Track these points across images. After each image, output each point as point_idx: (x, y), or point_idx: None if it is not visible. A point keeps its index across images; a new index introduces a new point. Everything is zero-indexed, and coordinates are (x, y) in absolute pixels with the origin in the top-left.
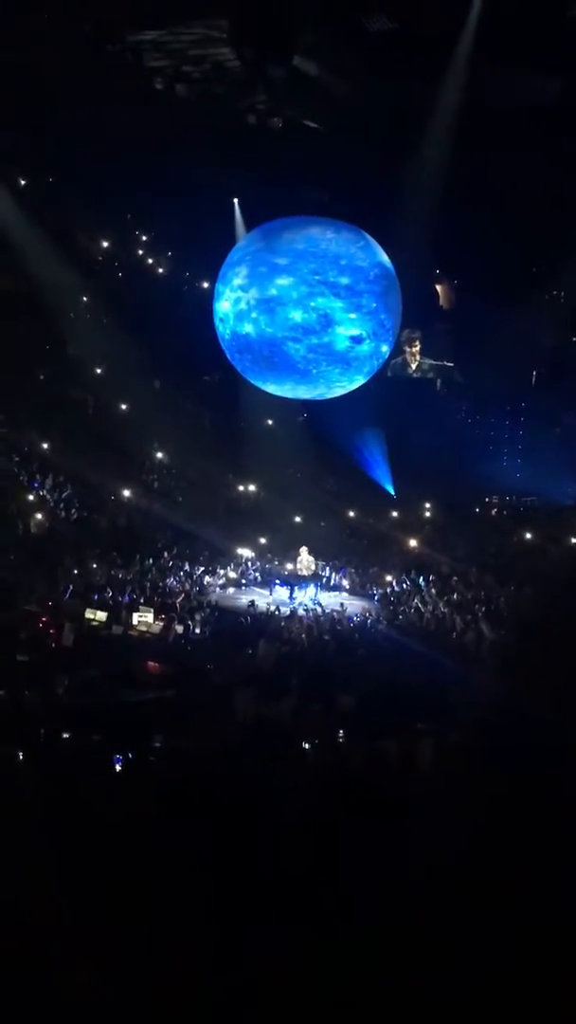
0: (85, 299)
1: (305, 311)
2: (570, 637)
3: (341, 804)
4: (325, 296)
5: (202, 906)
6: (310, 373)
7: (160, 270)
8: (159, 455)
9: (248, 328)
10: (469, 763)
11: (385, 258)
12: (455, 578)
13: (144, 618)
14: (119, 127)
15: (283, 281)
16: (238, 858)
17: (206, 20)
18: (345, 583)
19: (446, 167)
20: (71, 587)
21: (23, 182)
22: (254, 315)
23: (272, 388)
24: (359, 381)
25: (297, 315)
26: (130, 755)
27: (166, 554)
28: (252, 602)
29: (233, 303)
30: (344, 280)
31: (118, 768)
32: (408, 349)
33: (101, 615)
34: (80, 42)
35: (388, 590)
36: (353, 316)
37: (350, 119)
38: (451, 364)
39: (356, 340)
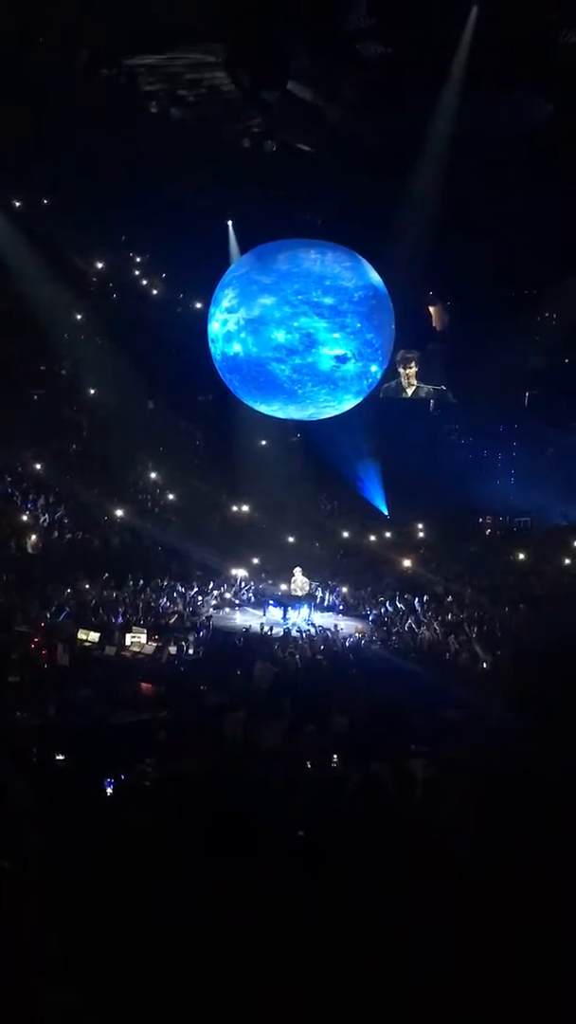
0: (80, 319)
1: (288, 331)
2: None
3: (337, 828)
4: (308, 316)
5: (196, 935)
6: (296, 393)
7: (155, 291)
8: (153, 475)
9: (236, 348)
10: (466, 784)
11: (375, 278)
12: (449, 598)
13: (137, 639)
14: (114, 150)
15: (267, 301)
16: (234, 883)
17: (201, 45)
18: (339, 603)
19: (439, 190)
20: (67, 608)
21: (18, 203)
22: (242, 335)
23: (263, 408)
24: (349, 401)
25: (280, 335)
26: (123, 777)
27: (160, 574)
28: (249, 627)
29: (222, 324)
30: (328, 300)
31: (109, 791)
32: (403, 370)
33: (94, 636)
34: (76, 66)
35: (382, 610)
36: (337, 336)
37: (344, 143)
38: (444, 388)
39: (341, 360)
